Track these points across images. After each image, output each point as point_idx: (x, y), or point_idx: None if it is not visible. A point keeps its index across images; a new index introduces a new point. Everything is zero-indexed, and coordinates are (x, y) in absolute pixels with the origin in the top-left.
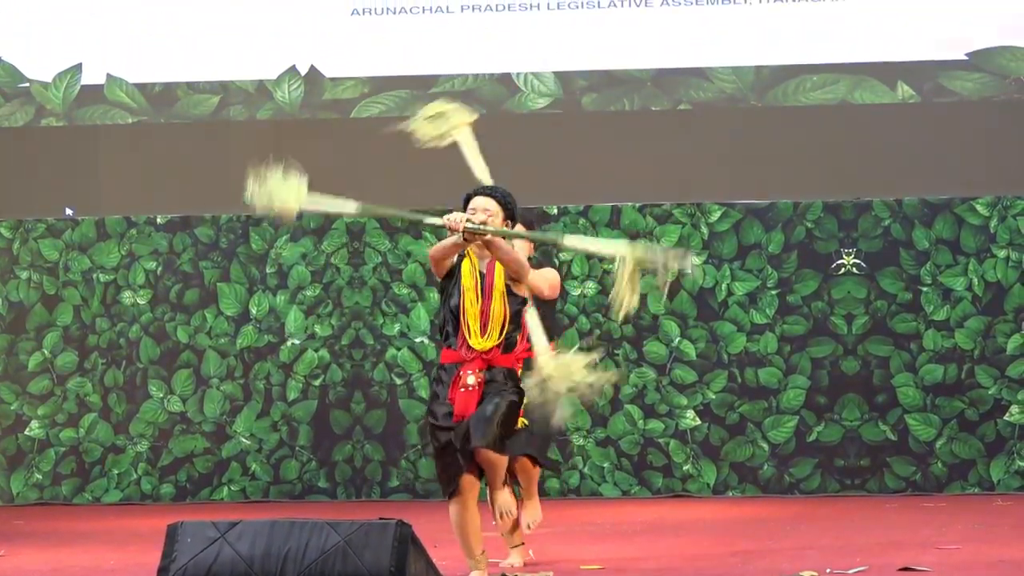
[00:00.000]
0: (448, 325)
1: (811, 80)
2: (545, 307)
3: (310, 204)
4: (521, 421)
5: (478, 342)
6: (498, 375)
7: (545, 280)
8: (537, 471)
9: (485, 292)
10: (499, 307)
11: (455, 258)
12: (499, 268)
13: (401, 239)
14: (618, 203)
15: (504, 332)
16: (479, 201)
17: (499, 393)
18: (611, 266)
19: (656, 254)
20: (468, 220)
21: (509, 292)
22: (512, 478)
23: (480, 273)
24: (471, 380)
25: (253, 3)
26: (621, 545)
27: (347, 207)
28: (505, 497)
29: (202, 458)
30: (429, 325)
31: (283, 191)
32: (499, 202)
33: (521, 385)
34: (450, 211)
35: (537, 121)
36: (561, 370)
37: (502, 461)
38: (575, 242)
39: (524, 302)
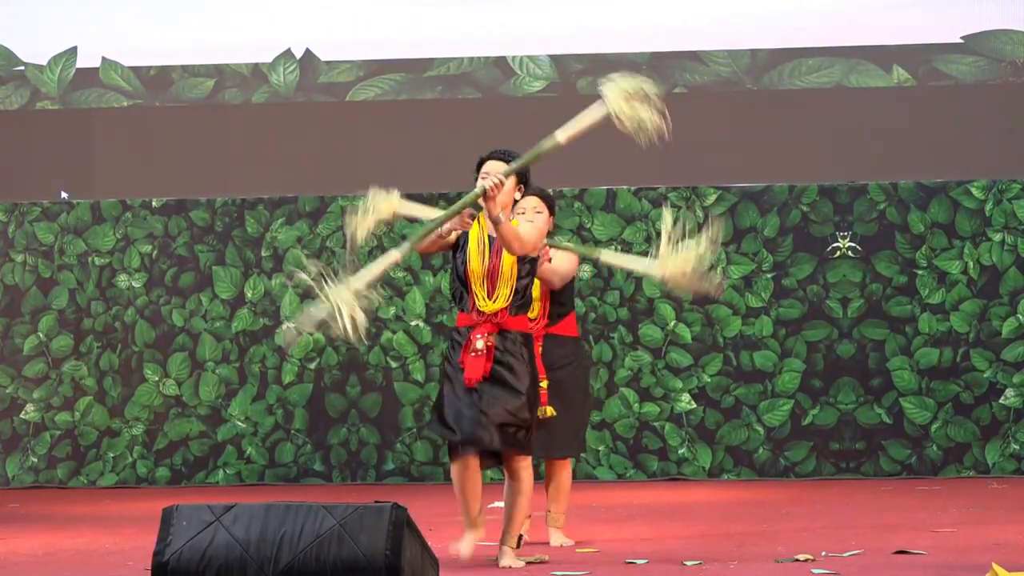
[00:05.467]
0: (458, 289)
1: (806, 63)
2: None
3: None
4: (547, 411)
5: (486, 304)
6: (511, 344)
7: (556, 273)
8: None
9: (492, 254)
10: (506, 269)
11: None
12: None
13: (396, 222)
14: (613, 186)
15: (513, 293)
16: (492, 165)
17: (510, 386)
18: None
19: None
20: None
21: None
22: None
23: (488, 236)
24: (480, 344)
25: None
26: (616, 528)
27: (395, 257)
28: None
29: (197, 441)
30: (424, 308)
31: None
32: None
33: (532, 353)
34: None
35: (532, 104)
36: (675, 262)
37: (528, 468)
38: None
39: (534, 261)
